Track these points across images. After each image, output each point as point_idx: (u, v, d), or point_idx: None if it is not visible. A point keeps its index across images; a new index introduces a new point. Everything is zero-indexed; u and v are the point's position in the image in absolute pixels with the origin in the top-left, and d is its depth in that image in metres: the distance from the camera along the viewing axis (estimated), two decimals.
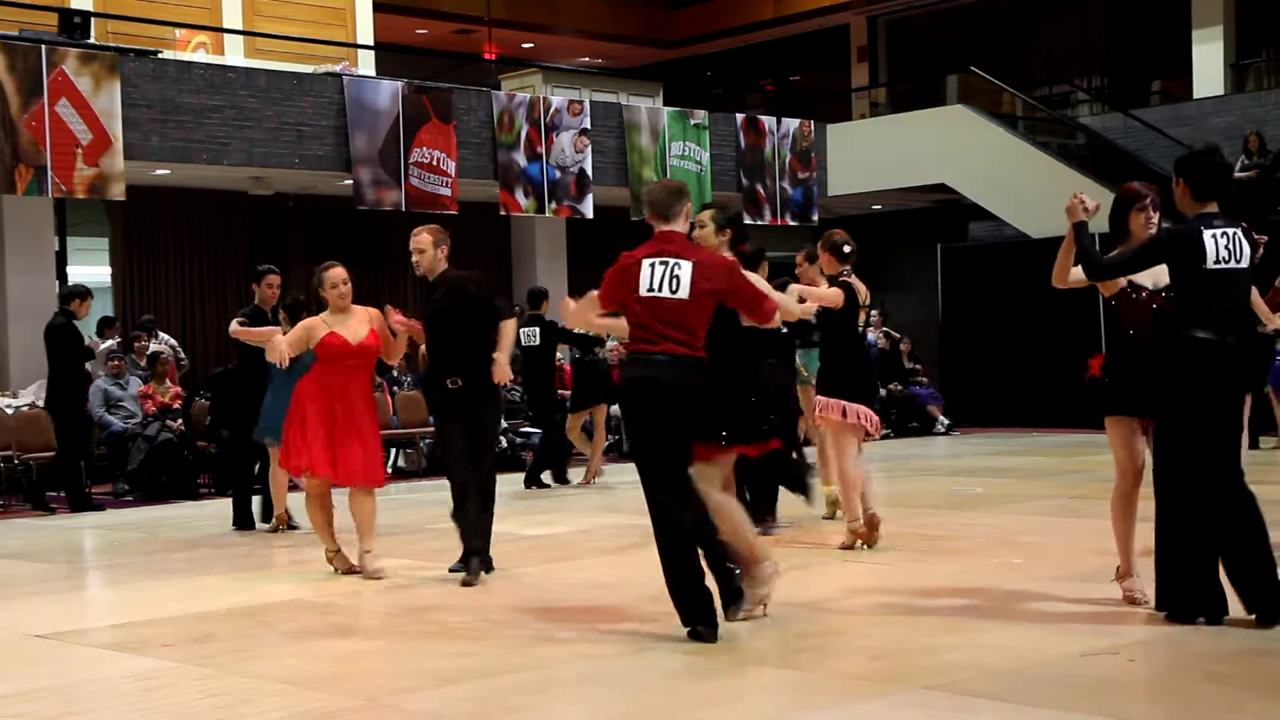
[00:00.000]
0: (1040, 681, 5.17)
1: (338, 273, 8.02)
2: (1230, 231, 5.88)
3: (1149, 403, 6.11)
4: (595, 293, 6.30)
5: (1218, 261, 5.82)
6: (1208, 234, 5.84)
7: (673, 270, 5.93)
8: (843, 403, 8.17)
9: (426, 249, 7.80)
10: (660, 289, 5.91)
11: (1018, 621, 6.21)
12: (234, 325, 9.87)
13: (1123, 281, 6.20)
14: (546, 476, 13.08)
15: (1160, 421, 6.00)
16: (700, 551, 5.93)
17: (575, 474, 13.32)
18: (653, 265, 5.95)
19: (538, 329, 12.90)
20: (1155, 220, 6.25)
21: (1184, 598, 5.92)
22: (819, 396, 8.36)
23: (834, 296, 8.12)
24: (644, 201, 6.27)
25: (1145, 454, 6.27)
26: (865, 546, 8.34)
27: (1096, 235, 6.44)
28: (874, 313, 13.07)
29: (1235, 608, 5.90)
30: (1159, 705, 4.94)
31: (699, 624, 5.90)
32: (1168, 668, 5.45)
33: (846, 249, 8.24)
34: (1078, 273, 6.28)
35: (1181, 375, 5.86)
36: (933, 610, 6.55)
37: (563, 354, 14.89)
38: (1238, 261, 5.87)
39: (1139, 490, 6.32)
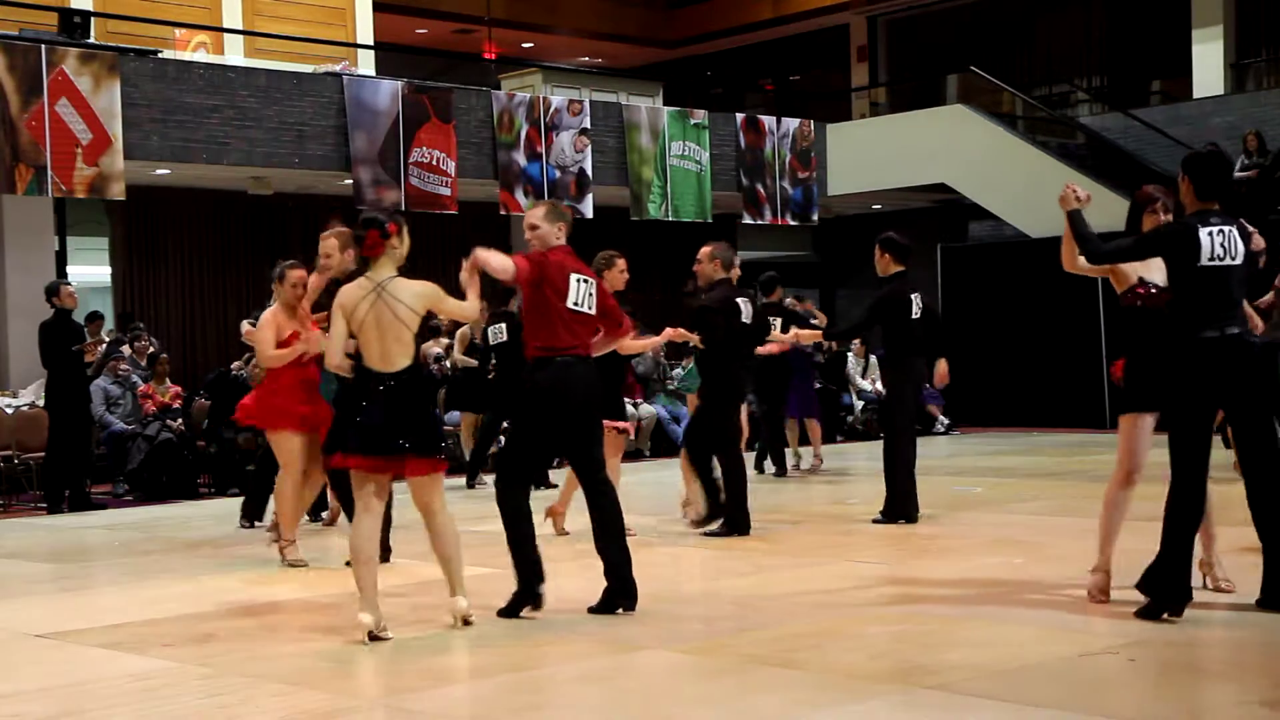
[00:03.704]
0: (1040, 681, 5.17)
1: (299, 274, 8.27)
2: (1226, 229, 6.01)
3: (1162, 400, 6.22)
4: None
5: (1212, 259, 5.95)
6: (1203, 231, 5.97)
7: (589, 289, 6.62)
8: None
9: (333, 253, 8.05)
10: (581, 304, 6.58)
11: (1018, 621, 6.21)
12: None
13: (1133, 278, 6.37)
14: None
15: (1173, 419, 6.07)
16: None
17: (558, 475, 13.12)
18: (578, 282, 6.55)
19: (505, 325, 12.34)
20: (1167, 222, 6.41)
21: (1172, 590, 6.02)
22: None
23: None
24: (564, 217, 6.72)
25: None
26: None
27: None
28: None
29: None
30: (1159, 705, 4.94)
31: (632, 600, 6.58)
32: (1168, 668, 5.45)
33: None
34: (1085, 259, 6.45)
35: (1196, 375, 5.96)
36: (932, 610, 6.56)
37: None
38: (1233, 259, 5.99)
39: (1134, 489, 6.40)
